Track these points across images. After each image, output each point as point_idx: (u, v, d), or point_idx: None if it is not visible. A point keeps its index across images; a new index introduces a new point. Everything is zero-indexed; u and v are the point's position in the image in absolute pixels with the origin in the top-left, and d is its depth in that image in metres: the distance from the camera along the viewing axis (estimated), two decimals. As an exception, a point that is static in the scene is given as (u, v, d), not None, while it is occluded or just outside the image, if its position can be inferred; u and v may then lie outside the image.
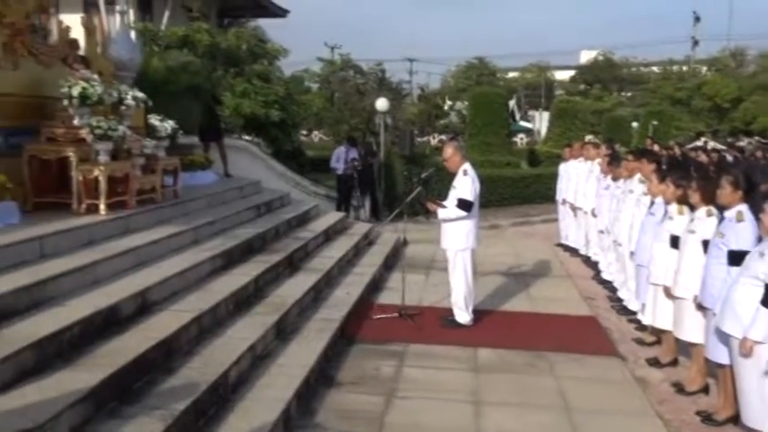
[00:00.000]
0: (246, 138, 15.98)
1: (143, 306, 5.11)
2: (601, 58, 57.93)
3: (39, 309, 4.50)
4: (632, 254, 6.68)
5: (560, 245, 11.41)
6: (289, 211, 9.71)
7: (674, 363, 5.91)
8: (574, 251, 10.74)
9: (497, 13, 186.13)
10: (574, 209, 10.54)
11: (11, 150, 6.46)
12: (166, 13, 18.09)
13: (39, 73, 6.96)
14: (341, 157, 13.75)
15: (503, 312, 7.37)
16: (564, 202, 11.05)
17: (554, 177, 11.96)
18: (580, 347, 6.23)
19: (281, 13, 24.58)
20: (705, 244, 4.96)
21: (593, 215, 9.14)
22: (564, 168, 11.26)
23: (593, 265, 9.56)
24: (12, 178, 5.91)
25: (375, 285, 8.21)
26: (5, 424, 3.30)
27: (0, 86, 6.40)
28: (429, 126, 35.32)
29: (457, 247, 6.70)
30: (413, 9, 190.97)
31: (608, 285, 8.44)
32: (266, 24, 23.32)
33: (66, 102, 6.51)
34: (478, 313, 6.99)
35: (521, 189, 17.57)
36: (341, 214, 11.33)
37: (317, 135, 38.87)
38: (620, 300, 7.71)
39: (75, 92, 6.45)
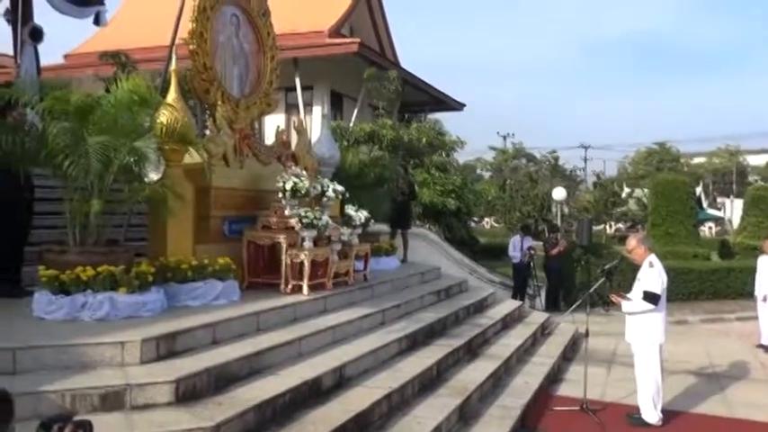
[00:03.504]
0: (422, 225, 16.73)
1: (340, 380, 5.61)
2: (804, 140, 52.97)
3: (257, 376, 5.15)
4: None
5: (761, 346, 10.45)
6: (467, 297, 9.99)
7: None
8: (778, 353, 9.81)
9: (677, 97, 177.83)
10: (777, 307, 9.70)
11: (233, 236, 7.52)
12: (355, 112, 19.94)
13: (258, 170, 8.11)
14: (516, 246, 13.86)
15: (695, 415, 6.92)
16: (765, 299, 10.22)
17: (751, 271, 11.14)
18: (789, 461, 5.68)
19: (458, 106, 25.91)
20: None
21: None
22: (764, 262, 10.48)
23: (801, 370, 8.65)
24: (233, 260, 6.86)
25: (554, 376, 8.12)
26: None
27: (229, 182, 7.55)
28: (605, 214, 34.21)
29: (644, 341, 6.53)
30: (587, 96, 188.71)
31: (821, 394, 7.59)
32: (443, 116, 24.64)
33: (279, 194, 7.49)
34: (667, 414, 6.63)
35: (711, 283, 16.32)
36: (517, 303, 11.35)
37: (488, 222, 39.28)
38: (837, 411, 6.90)
39: (288, 186, 7.42)
